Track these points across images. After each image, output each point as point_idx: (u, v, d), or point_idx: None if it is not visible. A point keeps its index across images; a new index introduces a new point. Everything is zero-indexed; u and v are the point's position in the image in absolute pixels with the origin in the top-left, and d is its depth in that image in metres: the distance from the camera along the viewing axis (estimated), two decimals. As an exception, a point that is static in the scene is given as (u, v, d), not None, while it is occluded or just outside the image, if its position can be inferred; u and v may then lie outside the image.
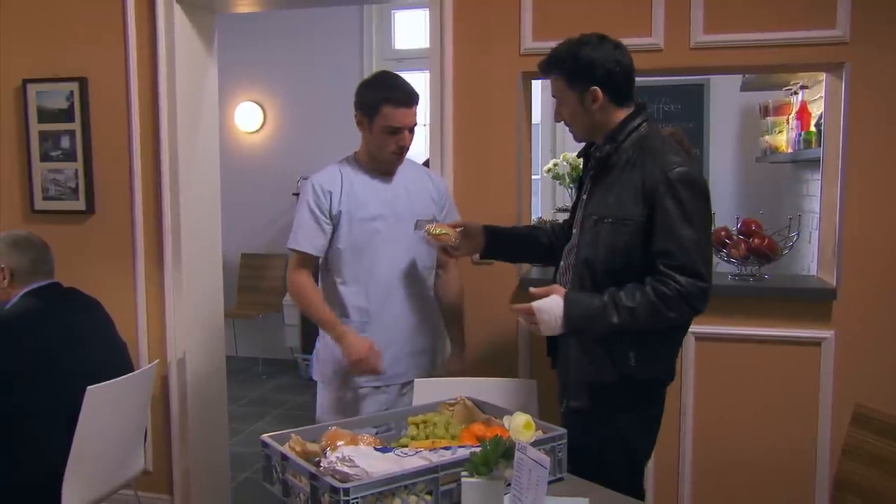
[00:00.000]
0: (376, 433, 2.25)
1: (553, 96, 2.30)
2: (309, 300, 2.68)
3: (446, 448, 2.01)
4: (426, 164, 4.60)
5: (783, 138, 4.38)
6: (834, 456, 2.84)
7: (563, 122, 2.32)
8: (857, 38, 2.73)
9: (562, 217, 3.40)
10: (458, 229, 2.57)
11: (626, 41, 2.76)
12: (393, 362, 2.69)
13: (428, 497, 1.83)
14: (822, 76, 3.26)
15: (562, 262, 2.38)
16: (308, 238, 2.66)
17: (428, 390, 2.62)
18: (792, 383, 2.89)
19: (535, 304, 2.15)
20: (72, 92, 3.41)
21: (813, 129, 3.66)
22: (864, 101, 2.75)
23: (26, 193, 3.53)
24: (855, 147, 2.77)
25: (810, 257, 3.68)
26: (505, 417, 2.02)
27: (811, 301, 2.86)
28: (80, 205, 3.46)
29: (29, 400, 2.59)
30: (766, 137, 4.56)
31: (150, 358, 3.37)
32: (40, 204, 3.51)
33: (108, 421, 2.71)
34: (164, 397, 3.44)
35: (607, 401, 2.20)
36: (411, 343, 2.75)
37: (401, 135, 2.60)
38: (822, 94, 3.87)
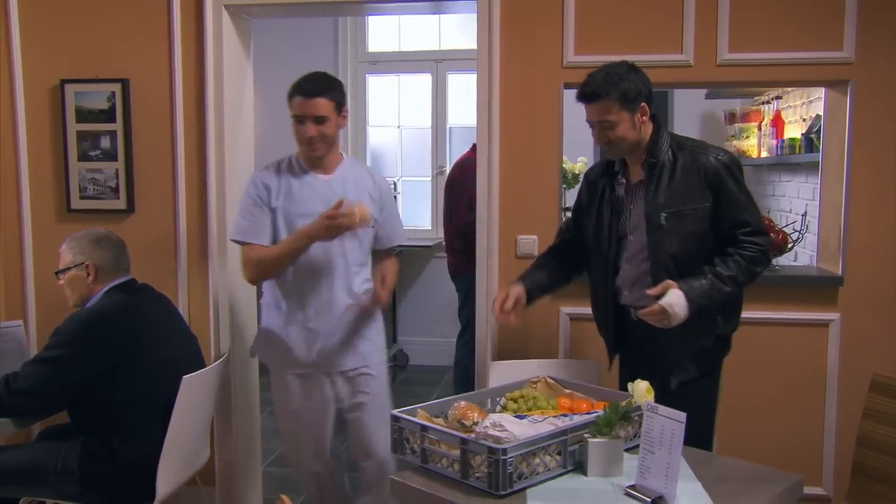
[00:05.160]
0: None
1: (597, 121, 2.48)
2: (272, 255, 2.80)
3: (561, 416, 2.27)
4: (473, 148, 4.77)
5: (751, 143, 4.85)
6: (840, 422, 3.26)
7: (603, 143, 2.53)
8: (861, 58, 3.14)
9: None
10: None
11: (658, 57, 3.11)
12: (325, 352, 2.89)
13: (558, 457, 2.08)
14: (792, 89, 3.70)
15: (625, 266, 2.61)
16: (255, 230, 2.82)
17: (503, 372, 2.88)
18: (803, 359, 3.29)
19: (663, 302, 2.37)
20: (113, 93, 3.46)
21: (798, 136, 4.10)
22: (866, 114, 3.17)
23: (62, 192, 3.54)
24: (858, 153, 3.19)
25: (794, 250, 4.12)
26: (630, 385, 2.28)
27: (820, 287, 3.26)
28: (120, 204, 3.51)
29: (123, 391, 2.69)
30: (734, 142, 5.01)
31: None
32: (77, 203, 3.53)
33: (195, 410, 2.83)
34: (208, 391, 3.53)
35: (708, 362, 2.59)
36: (343, 333, 2.89)
37: (304, 125, 2.74)
38: (802, 103, 4.34)
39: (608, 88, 2.43)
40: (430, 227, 6.60)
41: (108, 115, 3.48)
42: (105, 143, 3.49)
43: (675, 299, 2.37)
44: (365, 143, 6.67)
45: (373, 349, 2.99)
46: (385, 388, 3.05)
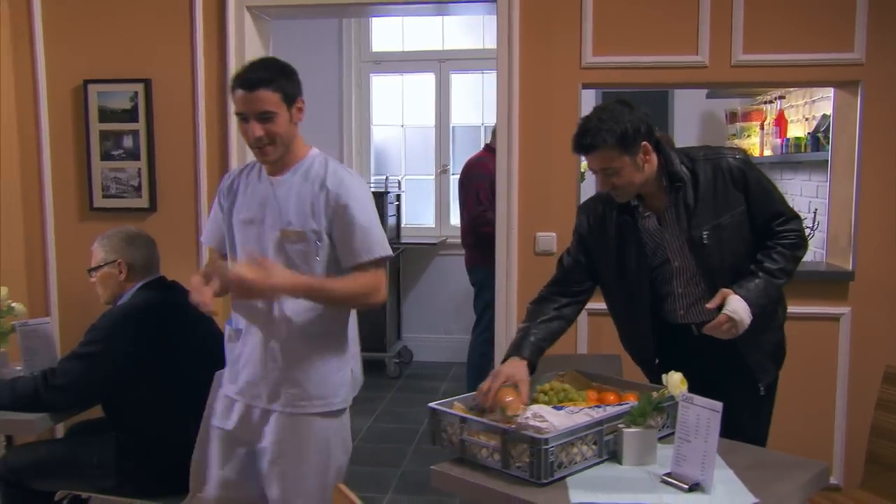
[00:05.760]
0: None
1: (599, 168, 2.36)
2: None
3: (595, 407, 2.34)
4: (485, 147, 4.76)
5: (752, 142, 4.95)
6: (850, 413, 3.36)
7: (609, 189, 2.42)
8: (871, 60, 3.25)
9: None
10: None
11: (675, 58, 3.18)
12: (254, 381, 2.40)
13: (594, 446, 2.14)
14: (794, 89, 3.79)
15: (678, 291, 2.51)
16: (208, 232, 2.62)
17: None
18: (815, 352, 3.38)
19: (727, 311, 2.32)
20: (136, 93, 3.52)
21: (802, 134, 4.20)
22: (875, 113, 3.28)
23: (84, 191, 3.60)
24: (867, 151, 3.29)
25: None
26: (664, 377, 2.34)
27: (831, 282, 3.36)
28: (142, 202, 3.56)
29: (157, 385, 2.73)
30: (735, 141, 5.11)
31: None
32: (99, 202, 3.59)
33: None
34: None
35: (781, 356, 2.63)
36: (269, 371, 2.39)
37: (248, 124, 2.28)
38: (805, 103, 4.44)
39: (604, 136, 2.29)
40: (433, 225, 6.67)
41: (131, 115, 3.53)
42: (127, 142, 3.54)
43: (737, 305, 2.33)
44: (369, 141, 6.73)
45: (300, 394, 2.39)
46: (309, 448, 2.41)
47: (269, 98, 2.27)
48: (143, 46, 3.53)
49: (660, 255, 2.51)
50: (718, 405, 1.98)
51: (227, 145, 3.52)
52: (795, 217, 2.49)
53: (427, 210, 6.72)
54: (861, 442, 3.20)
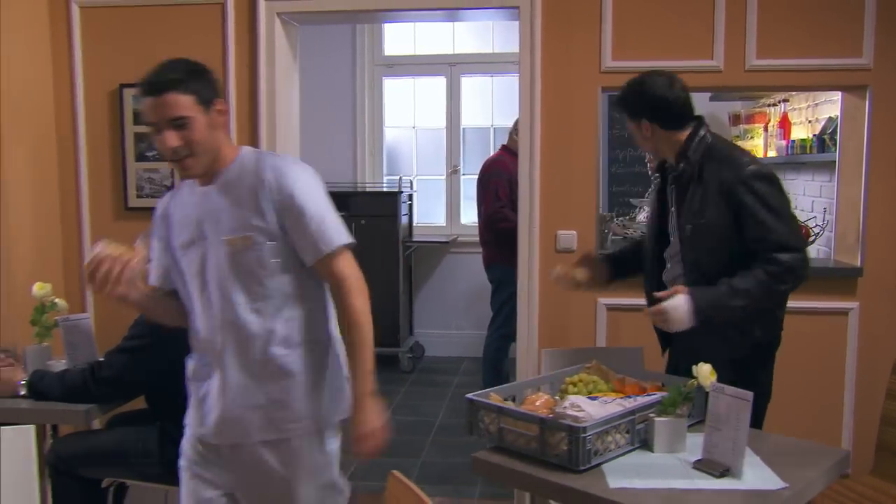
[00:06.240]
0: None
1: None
2: None
3: (626, 397, 2.46)
4: (502, 148, 4.86)
5: (755, 143, 5.09)
6: (858, 404, 3.50)
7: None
8: (879, 65, 3.38)
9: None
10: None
11: (691, 63, 3.31)
12: (226, 420, 2.15)
13: (627, 435, 2.26)
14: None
15: (668, 266, 2.74)
16: (153, 270, 2.27)
17: (554, 358, 3.08)
18: (825, 345, 3.51)
19: (665, 304, 2.44)
20: (169, 96, 3.62)
21: (807, 136, 4.34)
22: (883, 117, 3.41)
23: (120, 191, 3.71)
24: (876, 153, 3.42)
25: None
26: (694, 368, 2.46)
27: (840, 278, 3.50)
28: (175, 202, 3.67)
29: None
30: (738, 143, 5.24)
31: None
32: (134, 202, 3.70)
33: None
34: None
35: (746, 370, 2.58)
36: (247, 398, 2.13)
37: (162, 134, 2.01)
38: (808, 106, 4.58)
39: (620, 104, 2.69)
40: (444, 224, 6.82)
41: (165, 118, 3.63)
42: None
43: (678, 303, 2.43)
44: (381, 143, 6.87)
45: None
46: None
47: (181, 101, 2.00)
48: (177, 51, 3.57)
49: (667, 223, 2.71)
50: (748, 395, 2.10)
51: (257, 146, 3.63)
52: (793, 249, 2.43)
53: (438, 209, 6.87)
54: (868, 431, 3.36)
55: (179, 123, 2.00)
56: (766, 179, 2.49)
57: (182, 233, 2.16)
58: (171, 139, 2.00)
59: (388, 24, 6.29)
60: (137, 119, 3.65)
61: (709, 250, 2.53)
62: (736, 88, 3.68)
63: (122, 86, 3.66)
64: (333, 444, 2.25)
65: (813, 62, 3.41)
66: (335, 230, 2.09)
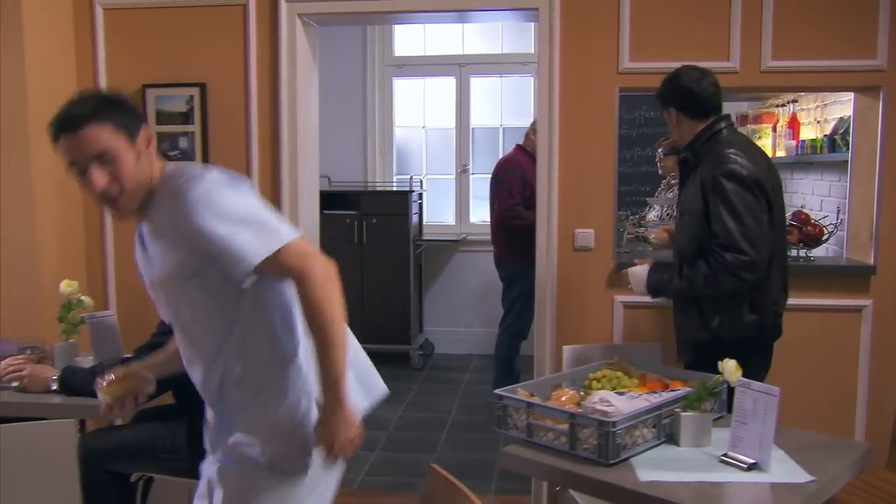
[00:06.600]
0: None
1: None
2: None
3: (652, 393, 2.51)
4: (516, 147, 4.98)
5: (765, 143, 5.14)
6: (871, 399, 3.55)
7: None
8: (893, 66, 3.42)
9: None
10: None
11: (707, 64, 3.34)
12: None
13: (653, 429, 2.31)
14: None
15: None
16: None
17: (575, 354, 3.13)
18: (838, 341, 3.57)
19: (629, 269, 2.96)
20: (192, 96, 3.67)
21: (817, 136, 4.40)
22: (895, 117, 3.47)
23: (142, 190, 3.75)
24: (889, 154, 3.47)
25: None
26: (720, 364, 2.50)
27: (853, 276, 3.55)
28: (197, 201, 3.72)
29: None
30: (749, 142, 5.31)
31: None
32: (156, 201, 3.74)
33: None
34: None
35: (706, 356, 2.67)
36: (219, 429, 2.07)
37: (87, 174, 1.82)
38: (816, 106, 4.63)
39: (658, 94, 2.94)
40: (454, 223, 6.87)
41: (187, 117, 3.70)
42: (184, 143, 3.71)
43: (637, 270, 2.92)
44: (392, 142, 6.92)
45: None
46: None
47: (102, 135, 1.80)
48: (199, 52, 3.69)
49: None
50: (776, 389, 2.15)
51: (279, 146, 3.68)
52: (734, 250, 2.58)
53: (448, 208, 6.92)
54: (881, 426, 3.41)
55: (105, 159, 1.81)
56: (736, 179, 2.63)
57: (143, 273, 2.03)
58: (99, 178, 1.81)
59: (399, 25, 6.32)
60: (160, 119, 3.70)
61: (689, 237, 2.76)
62: (752, 89, 3.73)
63: (145, 86, 3.71)
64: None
65: (827, 63, 3.46)
66: (258, 241, 1.78)
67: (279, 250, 1.80)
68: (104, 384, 2.11)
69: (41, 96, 3.53)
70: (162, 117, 3.70)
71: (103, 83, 3.71)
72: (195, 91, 3.68)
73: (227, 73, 3.69)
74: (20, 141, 3.48)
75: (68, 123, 1.82)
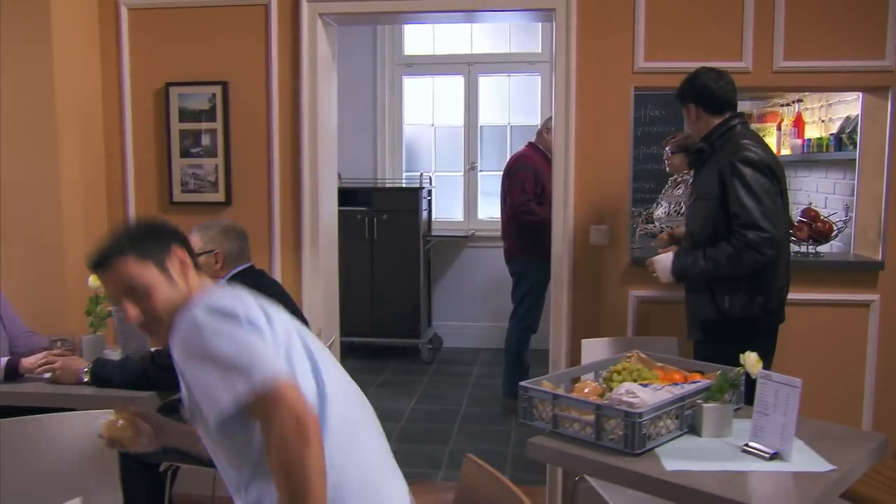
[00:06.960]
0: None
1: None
2: None
3: (674, 385, 2.58)
4: (528, 144, 5.11)
5: (770, 142, 5.22)
6: (878, 391, 3.64)
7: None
8: (901, 67, 3.52)
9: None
10: None
11: (721, 64, 3.43)
12: None
13: (676, 420, 2.37)
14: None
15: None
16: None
17: (593, 348, 3.22)
18: (846, 335, 3.65)
19: (654, 258, 3.09)
20: (214, 94, 3.74)
21: (823, 135, 4.48)
22: (904, 117, 3.55)
23: (165, 186, 3.82)
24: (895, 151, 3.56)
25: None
26: (741, 357, 2.56)
27: (862, 271, 3.63)
28: (219, 197, 3.79)
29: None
30: (752, 141, 5.39)
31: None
32: (179, 196, 3.81)
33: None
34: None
35: (714, 334, 2.97)
36: None
37: (122, 307, 1.84)
38: (821, 106, 4.71)
39: (678, 91, 3.11)
40: (462, 220, 6.95)
41: (209, 115, 3.76)
42: (206, 140, 3.77)
43: (661, 258, 3.06)
44: (401, 140, 7.00)
45: None
46: None
47: (127, 269, 1.80)
48: (222, 51, 3.75)
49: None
50: (797, 381, 2.21)
51: (300, 143, 3.75)
52: (757, 228, 2.76)
53: (456, 205, 7.00)
54: (888, 419, 3.51)
55: (135, 293, 1.80)
56: (752, 164, 2.83)
57: None
58: (130, 312, 1.81)
59: (409, 24, 6.39)
60: (183, 116, 3.77)
61: (703, 220, 2.93)
62: (764, 89, 3.82)
63: (168, 84, 3.77)
64: None
65: (837, 64, 3.54)
66: (226, 386, 1.60)
67: (249, 394, 1.60)
68: (109, 419, 2.09)
69: (68, 95, 3.60)
70: (184, 115, 3.76)
71: (127, 82, 3.78)
72: (217, 89, 3.74)
73: (248, 72, 3.75)
74: (47, 139, 3.55)
75: (97, 262, 1.84)
